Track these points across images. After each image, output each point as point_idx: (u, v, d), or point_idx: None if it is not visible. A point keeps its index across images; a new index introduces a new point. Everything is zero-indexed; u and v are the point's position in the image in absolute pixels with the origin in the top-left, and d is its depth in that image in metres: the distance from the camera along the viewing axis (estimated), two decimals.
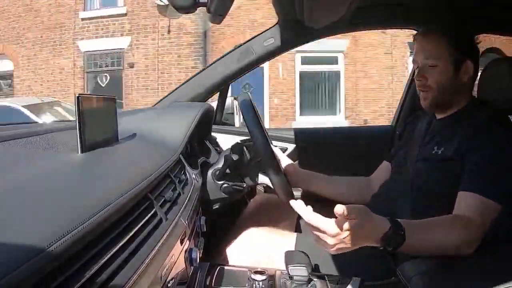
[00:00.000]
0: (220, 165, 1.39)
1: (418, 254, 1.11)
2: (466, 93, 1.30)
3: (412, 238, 1.05)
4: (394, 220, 1.04)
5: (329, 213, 1.56)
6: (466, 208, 1.13)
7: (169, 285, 0.75)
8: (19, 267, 0.40)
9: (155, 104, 2.10)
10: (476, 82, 1.37)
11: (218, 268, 1.20)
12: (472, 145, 1.17)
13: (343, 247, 1.01)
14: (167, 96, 2.05)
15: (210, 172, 1.39)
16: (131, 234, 0.66)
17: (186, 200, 1.00)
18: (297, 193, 1.63)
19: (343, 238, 0.99)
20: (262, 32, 1.96)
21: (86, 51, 11.02)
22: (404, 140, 1.49)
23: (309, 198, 1.70)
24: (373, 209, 1.39)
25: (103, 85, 11.19)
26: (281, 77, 10.64)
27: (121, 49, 10.90)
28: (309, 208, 1.03)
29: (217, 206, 1.42)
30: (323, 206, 1.64)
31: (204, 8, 0.91)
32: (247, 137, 1.37)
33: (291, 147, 2.08)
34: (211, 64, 2.05)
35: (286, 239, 1.35)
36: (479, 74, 1.36)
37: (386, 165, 1.56)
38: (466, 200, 1.14)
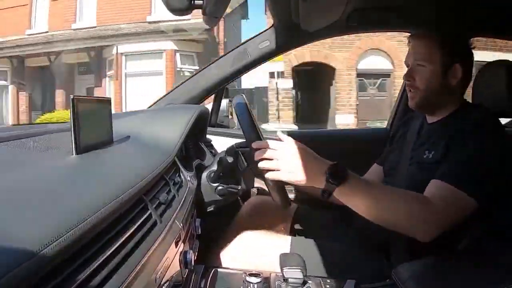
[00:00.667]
0: (215, 167, 1.38)
1: (369, 216, 1.13)
2: (456, 97, 1.31)
3: (359, 185, 1.09)
4: None
5: (322, 215, 1.57)
6: (432, 194, 1.13)
7: (164, 287, 0.75)
8: (11, 271, 0.39)
9: (150, 106, 2.09)
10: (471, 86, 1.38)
11: (213, 271, 1.20)
12: (456, 143, 1.19)
13: (288, 166, 1.07)
14: (162, 97, 2.05)
15: (205, 174, 1.39)
16: (125, 236, 0.65)
17: (181, 203, 0.99)
18: (290, 195, 1.63)
19: (291, 153, 1.07)
20: (258, 35, 1.97)
21: None
22: (396, 143, 1.50)
23: (303, 202, 1.71)
24: None
25: None
26: None
27: None
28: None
29: (211, 209, 1.41)
30: (317, 209, 1.65)
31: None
32: (243, 140, 1.36)
33: None
34: (207, 66, 2.05)
35: (281, 242, 1.35)
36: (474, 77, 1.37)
37: (377, 168, 1.57)
38: (436, 187, 1.15)
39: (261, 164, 1.10)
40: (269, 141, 1.11)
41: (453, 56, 1.27)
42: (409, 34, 1.38)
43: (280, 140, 1.13)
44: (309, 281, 1.08)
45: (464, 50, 1.32)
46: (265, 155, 1.09)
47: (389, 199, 1.12)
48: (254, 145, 1.12)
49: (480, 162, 1.14)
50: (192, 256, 0.94)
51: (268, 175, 1.11)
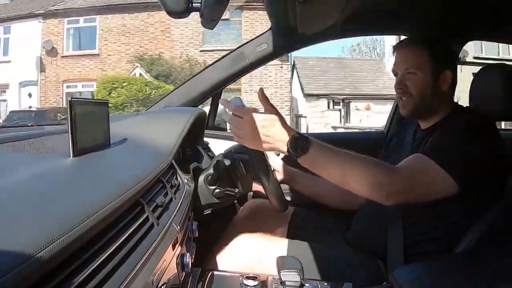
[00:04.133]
0: (212, 170, 1.38)
1: (333, 181, 1.17)
2: (446, 101, 1.33)
3: (321, 154, 1.15)
4: None
5: (319, 218, 1.57)
6: (405, 162, 1.18)
7: None
8: (5, 275, 0.39)
9: (147, 109, 2.09)
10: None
11: (209, 274, 1.20)
12: (442, 132, 1.22)
13: (249, 134, 1.14)
14: (159, 100, 2.05)
15: (202, 177, 1.39)
16: (122, 239, 0.65)
17: (178, 205, 0.99)
18: (286, 198, 1.63)
19: (250, 124, 1.13)
20: (255, 38, 1.97)
21: None
22: (392, 149, 1.51)
23: (300, 205, 1.71)
24: (364, 214, 1.40)
25: None
26: None
27: None
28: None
29: (209, 211, 1.41)
30: (314, 212, 1.65)
31: None
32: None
33: None
34: (204, 69, 2.05)
35: (278, 245, 1.35)
36: (472, 80, 1.38)
37: None
38: (408, 158, 1.20)
39: (232, 131, 1.18)
40: (238, 110, 1.17)
41: (443, 62, 1.30)
42: (395, 43, 1.40)
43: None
44: (306, 284, 1.08)
45: (452, 56, 1.35)
46: (234, 123, 1.16)
47: (352, 165, 1.16)
48: (231, 109, 1.18)
49: (460, 147, 1.16)
50: (189, 259, 0.93)
51: (235, 140, 1.19)
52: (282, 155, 2.03)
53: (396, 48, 1.37)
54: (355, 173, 1.15)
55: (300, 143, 1.13)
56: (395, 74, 1.36)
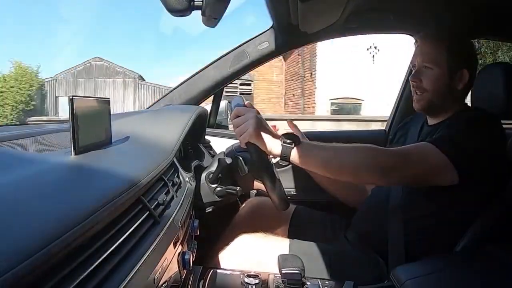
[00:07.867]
0: (213, 168, 1.38)
1: (330, 172, 1.19)
2: (459, 100, 1.32)
3: (312, 145, 1.19)
4: None
5: (321, 216, 1.57)
6: (407, 146, 1.21)
7: None
8: (5, 274, 0.39)
9: (149, 107, 2.09)
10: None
11: (211, 272, 1.20)
12: (446, 126, 1.23)
13: (251, 131, 1.15)
14: (160, 99, 2.05)
15: (203, 175, 1.38)
16: (123, 237, 0.65)
17: (180, 203, 0.99)
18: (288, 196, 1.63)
19: (253, 120, 1.15)
20: (257, 36, 1.97)
21: None
22: (396, 145, 1.50)
23: (301, 203, 1.71)
24: (365, 212, 1.40)
25: None
26: None
27: None
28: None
29: (210, 209, 1.41)
30: (315, 210, 1.65)
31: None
32: None
33: None
34: (205, 67, 2.05)
35: (279, 243, 1.35)
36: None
37: None
38: (413, 143, 1.22)
39: (235, 130, 1.20)
40: (240, 109, 1.19)
41: (461, 60, 1.28)
42: (409, 36, 1.39)
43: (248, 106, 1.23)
44: (307, 283, 1.08)
45: (471, 55, 1.33)
46: (236, 121, 1.18)
47: (347, 148, 1.17)
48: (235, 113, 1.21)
49: (464, 138, 1.16)
50: (190, 257, 0.94)
51: (239, 138, 1.19)
52: None
53: (417, 39, 1.37)
54: (350, 155, 1.16)
55: (292, 136, 1.18)
56: (413, 66, 1.36)
